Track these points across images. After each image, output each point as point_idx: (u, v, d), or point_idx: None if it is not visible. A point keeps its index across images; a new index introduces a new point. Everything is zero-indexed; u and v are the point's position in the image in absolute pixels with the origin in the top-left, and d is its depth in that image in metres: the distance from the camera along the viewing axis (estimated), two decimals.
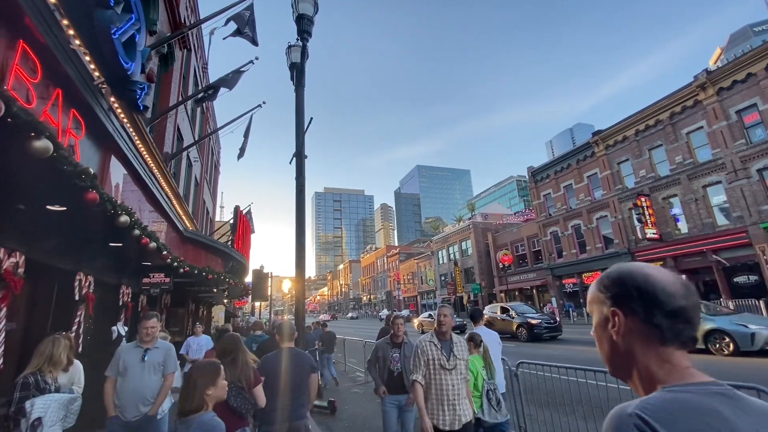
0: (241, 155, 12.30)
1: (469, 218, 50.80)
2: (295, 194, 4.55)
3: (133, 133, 5.74)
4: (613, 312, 0.87)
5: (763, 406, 0.76)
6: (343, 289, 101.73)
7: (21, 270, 3.88)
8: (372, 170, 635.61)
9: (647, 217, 22.60)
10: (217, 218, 26.88)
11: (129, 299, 7.30)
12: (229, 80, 8.70)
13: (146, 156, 6.69)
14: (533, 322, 16.69)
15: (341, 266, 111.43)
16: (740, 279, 19.57)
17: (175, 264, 6.92)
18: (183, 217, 11.06)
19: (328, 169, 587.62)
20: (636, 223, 23.26)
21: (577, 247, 28.91)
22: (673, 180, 22.21)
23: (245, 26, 7.77)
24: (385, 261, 72.58)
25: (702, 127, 21.01)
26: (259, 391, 3.20)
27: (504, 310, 18.66)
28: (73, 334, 5.05)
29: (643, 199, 22.83)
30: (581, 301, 28.05)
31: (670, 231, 22.40)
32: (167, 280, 7.67)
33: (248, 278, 18.82)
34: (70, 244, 5.07)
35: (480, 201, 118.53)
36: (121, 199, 5.31)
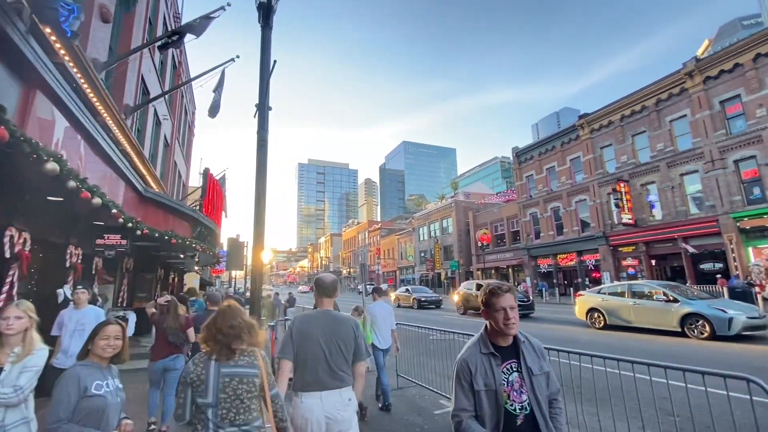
0: (213, 113, 11.45)
1: (452, 196, 50.84)
2: (256, 150, 4.04)
3: (77, 73, 5.06)
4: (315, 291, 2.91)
5: (339, 314, 2.72)
6: (323, 262, 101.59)
7: None
8: (357, 145, 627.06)
9: (624, 202, 22.91)
10: (191, 183, 25.82)
11: (79, 261, 6.74)
12: (197, 26, 7.87)
13: (96, 102, 6.00)
14: None
15: (323, 239, 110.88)
16: (706, 266, 20.24)
17: (131, 225, 6.37)
18: (147, 176, 10.34)
19: (311, 142, 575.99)
20: (613, 207, 23.58)
21: (554, 229, 29.31)
22: (653, 167, 22.45)
23: None
24: (367, 236, 72.46)
25: (686, 115, 21.10)
26: (190, 331, 5.00)
27: (479, 287, 18.84)
28: (4, 296, 4.54)
29: (622, 185, 23.08)
30: (554, 281, 28.75)
31: (645, 217, 22.83)
32: (124, 242, 7.13)
33: (226, 247, 18.33)
34: None
35: (464, 180, 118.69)
36: (60, 148, 4.70)
